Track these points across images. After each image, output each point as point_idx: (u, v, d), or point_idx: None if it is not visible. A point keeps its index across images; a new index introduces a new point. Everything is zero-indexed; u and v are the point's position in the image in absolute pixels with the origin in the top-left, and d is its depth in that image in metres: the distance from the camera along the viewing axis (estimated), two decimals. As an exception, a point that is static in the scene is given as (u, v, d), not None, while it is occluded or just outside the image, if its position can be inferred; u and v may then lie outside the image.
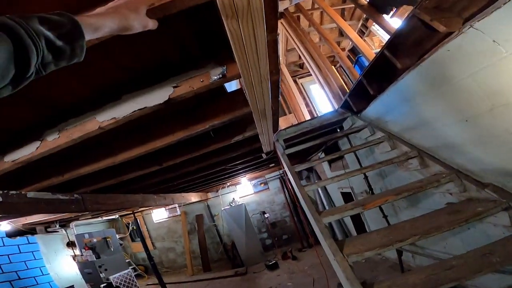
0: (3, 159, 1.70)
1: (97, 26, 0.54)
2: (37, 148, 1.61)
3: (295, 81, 6.28)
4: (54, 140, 1.57)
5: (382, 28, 2.77)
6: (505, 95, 1.45)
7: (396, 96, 2.21)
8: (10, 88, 0.42)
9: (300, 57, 6.06)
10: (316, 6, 4.67)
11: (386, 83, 2.20)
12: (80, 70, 1.27)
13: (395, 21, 2.93)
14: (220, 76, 1.33)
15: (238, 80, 2.16)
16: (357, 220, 4.68)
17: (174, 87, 1.37)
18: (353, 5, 3.87)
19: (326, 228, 1.82)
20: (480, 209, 1.63)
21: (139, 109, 1.39)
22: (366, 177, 3.19)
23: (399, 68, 1.99)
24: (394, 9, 2.92)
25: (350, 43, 5.81)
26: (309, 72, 4.98)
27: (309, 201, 2.10)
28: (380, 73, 2.22)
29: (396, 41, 1.97)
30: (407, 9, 2.96)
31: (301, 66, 6.94)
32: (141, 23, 0.66)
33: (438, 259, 2.56)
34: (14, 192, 2.19)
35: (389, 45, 2.00)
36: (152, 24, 0.70)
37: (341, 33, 5.74)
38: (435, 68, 1.75)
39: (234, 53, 1.16)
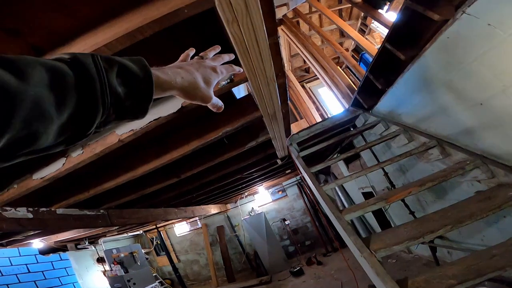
0: (32, 177, 1.82)
1: (166, 87, 0.48)
2: (63, 164, 1.71)
3: (302, 86, 6.31)
4: (78, 156, 1.67)
5: (380, 23, 2.77)
6: None
7: (406, 87, 2.18)
8: (64, 145, 0.36)
9: (305, 61, 6.10)
10: (313, 9, 4.73)
11: (393, 76, 2.19)
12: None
13: (391, 15, 2.93)
14: (228, 81, 1.38)
15: (245, 85, 2.23)
16: (382, 219, 4.54)
17: (186, 95, 1.43)
18: (350, 5, 3.89)
19: (349, 225, 1.78)
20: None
21: (154, 119, 1.46)
22: (386, 174, 3.11)
23: (404, 60, 1.99)
24: (388, 3, 2.93)
25: (353, 42, 5.81)
26: (316, 75, 4.99)
27: (328, 200, 2.08)
28: (386, 67, 2.22)
29: (396, 34, 1.98)
30: (400, 2, 2.96)
31: (307, 70, 6.97)
32: (206, 95, 0.56)
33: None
34: (44, 209, 2.33)
35: (389, 38, 2.01)
36: (215, 101, 0.60)
37: (342, 34, 5.76)
38: (439, 55, 1.75)
39: (238, 57, 1.21)
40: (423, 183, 1.86)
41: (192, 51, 0.67)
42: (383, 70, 2.27)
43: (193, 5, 0.92)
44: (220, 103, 0.62)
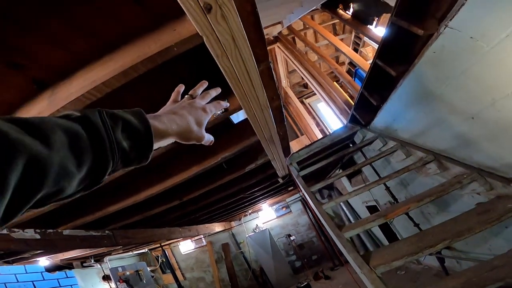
0: (39, 201, 1.88)
1: (164, 135, 0.52)
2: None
3: (302, 102, 6.36)
4: (83, 184, 1.72)
5: (370, 38, 2.83)
6: (502, 88, 1.44)
7: (399, 103, 2.22)
8: (82, 191, 0.39)
9: (302, 77, 6.18)
10: (307, 26, 4.85)
11: (386, 92, 2.22)
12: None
13: (380, 30, 2.98)
14: (223, 110, 1.43)
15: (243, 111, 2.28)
16: (388, 231, 4.47)
17: (182, 124, 1.49)
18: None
19: (348, 242, 1.79)
20: (510, 206, 1.56)
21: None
22: (387, 188, 3.10)
23: (394, 76, 2.02)
24: (376, 19, 2.99)
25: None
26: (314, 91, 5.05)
27: (328, 218, 2.09)
28: (379, 83, 2.26)
29: (385, 50, 2.02)
30: (387, 17, 3.01)
31: (306, 86, 7.04)
32: (199, 137, 0.60)
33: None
34: (51, 230, 2.39)
35: (380, 54, 2.05)
36: (207, 138, 0.64)
37: (336, 48, 5.85)
38: (428, 70, 1.77)
39: (231, 87, 1.27)
40: (421, 199, 1.87)
41: (182, 88, 0.72)
42: (377, 85, 2.31)
43: (182, 42, 0.98)
44: (211, 138, 0.67)
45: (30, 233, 2.21)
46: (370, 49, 5.04)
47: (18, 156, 0.27)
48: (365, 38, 4.75)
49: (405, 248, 1.66)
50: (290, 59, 4.25)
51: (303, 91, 7.22)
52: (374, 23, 2.94)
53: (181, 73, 1.40)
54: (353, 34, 5.31)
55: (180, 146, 1.62)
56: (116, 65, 0.99)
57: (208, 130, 1.59)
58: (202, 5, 0.78)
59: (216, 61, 1.05)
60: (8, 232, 2.08)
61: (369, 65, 2.23)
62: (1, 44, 0.89)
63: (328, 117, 6.58)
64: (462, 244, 2.60)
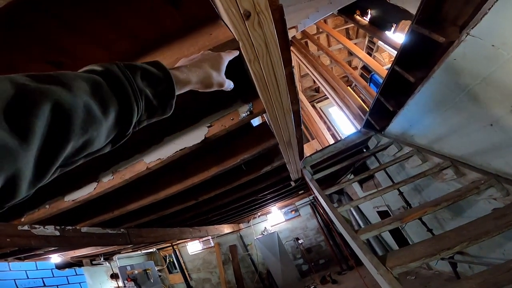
0: (64, 198, 1.93)
1: (185, 83, 0.53)
2: (94, 188, 1.83)
3: (313, 106, 6.38)
4: (109, 181, 1.79)
5: (387, 44, 2.85)
6: None
7: (417, 109, 2.24)
8: (110, 145, 0.41)
9: (314, 81, 6.21)
10: (321, 30, 4.87)
11: (403, 98, 2.25)
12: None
13: (398, 36, 3.00)
14: (248, 113, 1.49)
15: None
16: (399, 237, 4.45)
17: (208, 126, 1.55)
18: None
19: (364, 244, 1.81)
20: (527, 210, 1.57)
21: (180, 150, 1.57)
22: (401, 193, 3.10)
23: (413, 82, 2.04)
24: (395, 25, 3.00)
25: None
26: (326, 95, 5.05)
27: (343, 221, 2.11)
28: (396, 89, 2.28)
29: (404, 56, 2.04)
30: (406, 24, 3.02)
31: (317, 90, 7.06)
32: (220, 81, 0.62)
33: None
34: (70, 227, 2.45)
35: (398, 60, 2.08)
36: (227, 84, 0.66)
37: (351, 52, 5.87)
38: (448, 77, 1.79)
39: (258, 91, 1.32)
40: (438, 203, 1.89)
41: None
42: (394, 91, 2.34)
43: (219, 47, 1.02)
44: (231, 84, 0.69)
45: (50, 230, 2.26)
46: (386, 55, 5.03)
47: (42, 101, 0.27)
48: (380, 43, 4.76)
49: (422, 250, 1.67)
50: (303, 63, 4.29)
51: (314, 95, 7.24)
52: (392, 29, 2.96)
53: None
54: (367, 39, 5.32)
55: (202, 147, 1.69)
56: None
57: (231, 132, 1.63)
58: (242, 12, 0.82)
59: (248, 66, 1.10)
60: (29, 228, 2.12)
61: (387, 71, 2.25)
62: (46, 44, 0.93)
63: (340, 122, 6.61)
64: (476, 249, 2.59)
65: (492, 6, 1.31)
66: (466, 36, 1.51)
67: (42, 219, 2.06)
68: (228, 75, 1.53)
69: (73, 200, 1.91)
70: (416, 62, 2.04)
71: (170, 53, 1.07)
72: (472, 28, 1.45)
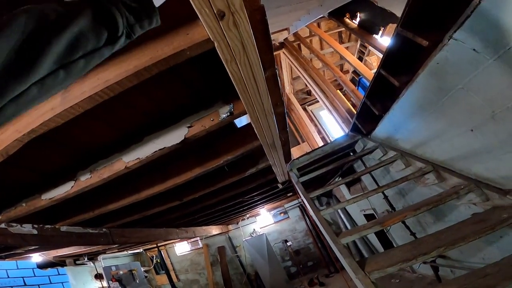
0: (40, 197, 1.89)
1: None
2: (71, 187, 1.79)
3: (304, 109, 6.39)
4: (87, 180, 1.75)
5: (375, 48, 2.87)
6: (501, 101, 1.47)
7: (401, 113, 2.25)
8: (110, 48, 0.49)
9: (306, 84, 6.22)
10: (313, 33, 4.90)
11: (389, 102, 2.26)
12: (107, 116, 1.47)
13: (385, 39, 3.03)
14: (228, 114, 1.47)
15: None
16: (385, 240, 4.49)
17: (188, 127, 1.53)
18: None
19: (345, 248, 1.82)
20: (505, 216, 1.58)
21: (159, 149, 1.55)
22: (386, 197, 3.13)
23: (397, 86, 2.05)
24: (382, 29, 3.03)
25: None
26: (317, 98, 5.04)
27: (326, 224, 2.11)
28: (382, 93, 2.29)
29: (390, 60, 2.04)
30: (393, 27, 3.03)
31: (309, 93, 7.07)
32: None
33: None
34: (48, 226, 2.39)
35: (383, 64, 2.08)
36: None
37: (342, 56, 5.91)
38: (431, 81, 1.80)
39: (238, 92, 1.30)
40: (418, 208, 1.90)
41: None
42: (380, 95, 2.34)
43: (194, 47, 1.02)
44: None
45: (27, 228, 2.21)
46: (375, 59, 5.08)
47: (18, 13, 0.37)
48: (370, 47, 4.80)
49: (400, 255, 1.68)
50: (295, 66, 4.30)
51: (306, 98, 7.26)
52: (380, 32, 2.98)
53: (190, 76, 1.44)
54: (359, 42, 5.36)
55: (183, 147, 1.67)
56: (129, 66, 1.03)
57: (213, 132, 1.62)
58: (215, 12, 0.81)
59: (225, 66, 1.09)
60: (6, 227, 2.08)
61: (373, 75, 2.26)
62: None
63: (330, 125, 6.62)
64: (457, 253, 2.63)
65: (475, 9, 1.30)
66: (448, 40, 1.50)
67: (19, 217, 2.01)
68: (210, 75, 1.52)
69: (50, 199, 1.86)
70: (401, 66, 2.04)
71: (147, 53, 1.05)
72: (455, 31, 1.45)
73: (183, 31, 1.05)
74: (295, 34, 4.53)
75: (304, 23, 3.53)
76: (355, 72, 5.97)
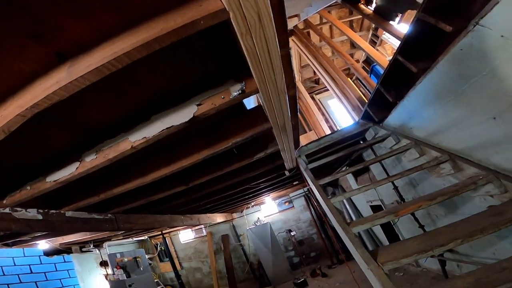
0: (45, 179, 1.85)
1: None
2: (76, 168, 1.75)
3: (312, 98, 6.32)
4: (92, 161, 1.70)
5: (392, 35, 2.77)
6: None
7: (417, 101, 2.17)
8: None
9: (315, 72, 6.11)
10: (324, 20, 4.77)
11: (404, 89, 2.18)
12: (113, 94, 1.42)
13: (403, 26, 2.93)
14: (240, 92, 1.41)
15: (255, 97, 2.25)
16: (390, 233, 4.45)
17: (198, 105, 1.47)
18: (361, 16, 3.89)
19: (356, 237, 1.76)
20: (525, 209, 1.53)
21: (166, 128, 1.49)
22: (395, 187, 3.06)
23: (415, 72, 1.97)
24: (400, 15, 2.93)
25: (364, 54, 5.81)
26: (326, 87, 4.95)
27: (336, 212, 2.06)
28: (397, 80, 2.21)
29: (407, 46, 1.98)
30: (412, 14, 2.95)
31: (317, 81, 6.96)
32: None
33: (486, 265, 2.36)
34: (54, 211, 2.36)
35: (401, 50, 2.01)
36: None
37: (353, 45, 5.77)
38: (452, 68, 1.73)
39: (251, 68, 1.24)
40: (434, 198, 1.83)
41: None
42: (394, 82, 2.26)
43: (209, 17, 0.95)
44: None
45: (32, 213, 2.17)
46: (389, 47, 4.94)
47: None
48: (383, 37, 4.67)
49: (414, 246, 1.62)
50: (304, 53, 4.19)
51: (314, 86, 7.14)
52: (397, 19, 2.88)
53: (201, 54, 1.37)
54: (371, 32, 5.22)
55: (192, 127, 1.61)
56: (139, 37, 0.97)
57: (222, 111, 1.56)
58: (231, -22, 0.75)
59: (240, 40, 1.02)
60: (10, 211, 2.04)
61: (388, 61, 2.18)
62: (27, 15, 0.89)
63: (338, 114, 6.56)
64: (466, 247, 2.57)
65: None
66: (474, 26, 1.45)
67: (24, 201, 1.97)
68: (221, 52, 1.45)
69: (54, 181, 1.82)
70: (419, 53, 1.97)
71: (158, 24, 0.99)
72: (482, 18, 1.40)
73: (196, 2, 0.99)
74: (305, 21, 4.41)
75: (315, 9, 3.41)
76: (366, 61, 5.83)
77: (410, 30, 1.88)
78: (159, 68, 1.34)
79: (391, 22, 2.97)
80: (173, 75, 1.42)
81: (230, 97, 1.42)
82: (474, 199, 2.15)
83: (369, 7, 3.15)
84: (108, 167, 1.77)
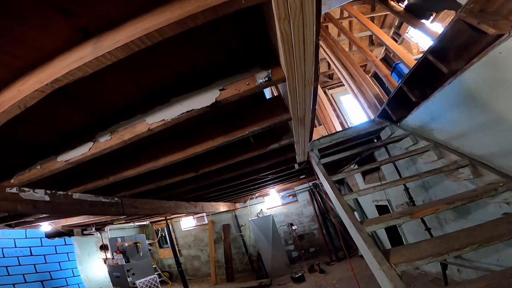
0: (56, 158, 1.80)
1: None
2: (89, 149, 1.69)
3: (324, 92, 6.23)
4: (106, 142, 1.66)
5: (425, 33, 2.68)
6: None
7: (443, 102, 2.10)
8: None
9: (329, 67, 6.00)
10: (344, 15, 4.66)
11: (430, 89, 2.11)
12: (134, 73, 1.37)
13: (435, 26, 2.83)
14: (266, 79, 1.35)
15: (270, 88, 2.19)
16: (393, 234, 4.42)
17: (221, 90, 1.42)
18: (383, 13, 3.78)
19: (369, 237, 1.74)
20: (542, 217, 1.49)
21: (187, 111, 1.44)
22: (406, 189, 3.01)
23: (446, 73, 1.91)
24: (434, 14, 2.83)
25: (382, 51, 5.67)
26: (340, 82, 4.86)
27: (349, 210, 2.03)
28: (423, 79, 2.15)
29: (440, 46, 1.91)
30: (448, 14, 2.88)
31: (331, 76, 6.85)
32: None
33: (489, 271, 2.34)
34: (61, 192, 2.31)
35: (432, 49, 1.93)
36: None
37: (372, 42, 5.63)
38: (486, 71, 1.67)
39: (281, 56, 1.18)
40: (452, 202, 1.80)
41: None
42: (419, 82, 2.20)
43: None
44: None
45: (40, 194, 2.12)
46: (415, 46, 4.77)
47: None
48: (406, 35, 4.54)
49: (429, 248, 1.60)
50: (322, 47, 4.09)
51: (327, 81, 7.03)
52: (431, 18, 2.79)
53: (229, 37, 1.31)
54: (392, 30, 5.09)
55: (211, 112, 1.56)
56: (172, 15, 0.91)
57: (242, 100, 1.50)
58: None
59: (276, 24, 0.97)
60: (17, 191, 1.97)
61: (415, 61, 2.11)
62: None
63: (350, 111, 6.49)
64: (471, 252, 2.55)
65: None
66: None
67: (33, 181, 1.91)
68: (250, 38, 1.39)
69: (65, 161, 1.77)
70: (451, 54, 1.90)
71: (189, 2, 0.92)
72: None
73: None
74: (326, 14, 4.30)
75: (339, 3, 3.30)
76: (384, 59, 5.69)
77: (447, 30, 1.81)
78: (184, 48, 1.29)
79: (422, 20, 2.87)
80: (197, 56, 1.37)
81: (256, 84, 1.37)
82: (488, 205, 2.12)
83: (400, 4, 3.05)
84: (120, 148, 1.73)
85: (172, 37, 0.97)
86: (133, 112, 1.61)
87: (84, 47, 1.03)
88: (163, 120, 1.49)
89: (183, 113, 1.45)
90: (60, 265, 5.39)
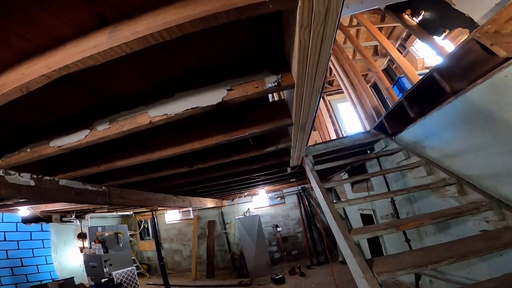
0: (49, 143, 1.74)
1: None
2: (85, 136, 1.64)
3: (323, 98, 6.28)
4: (104, 131, 1.61)
5: (435, 50, 2.73)
6: None
7: (440, 120, 2.16)
8: None
9: (330, 73, 6.03)
10: (353, 23, 4.68)
11: (429, 107, 2.16)
12: (143, 65, 1.34)
13: (445, 43, 2.90)
14: (275, 84, 1.35)
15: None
16: (374, 242, 4.53)
17: (228, 90, 1.41)
18: (391, 25, 3.83)
19: (356, 245, 1.78)
20: (517, 236, 1.56)
21: (191, 108, 1.43)
22: (393, 201, 3.10)
23: (448, 92, 1.95)
24: (447, 31, 2.87)
25: (385, 62, 5.73)
26: (339, 89, 4.87)
27: (338, 218, 2.07)
28: (424, 96, 2.19)
29: (448, 64, 1.94)
30: (461, 32, 2.93)
31: (331, 83, 6.90)
32: None
33: (459, 284, 2.45)
34: (47, 178, 2.24)
35: (439, 67, 1.98)
36: None
37: (376, 52, 5.68)
38: (489, 93, 1.72)
39: (294, 62, 1.19)
40: (437, 217, 1.88)
41: None
42: (420, 98, 2.25)
43: (278, 0, 0.88)
44: None
45: (25, 178, 2.05)
46: (420, 61, 4.82)
47: None
48: (411, 48, 4.61)
49: (410, 260, 1.67)
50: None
51: (326, 87, 7.05)
52: (444, 35, 2.83)
53: (243, 38, 1.31)
54: (398, 42, 5.15)
55: (214, 111, 1.55)
56: (195, 10, 0.90)
57: (247, 101, 1.49)
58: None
59: (296, 31, 0.97)
60: (3, 174, 1.90)
61: (420, 76, 2.16)
62: None
63: (346, 119, 6.58)
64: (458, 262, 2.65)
65: None
66: None
67: (20, 164, 1.84)
68: (263, 41, 1.39)
69: (58, 147, 1.71)
70: (456, 73, 1.94)
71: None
72: None
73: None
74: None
75: (351, 12, 3.31)
76: (386, 71, 5.75)
77: (458, 49, 1.83)
78: (196, 44, 1.28)
79: (434, 37, 2.92)
80: (209, 53, 1.36)
81: (264, 88, 1.37)
82: (468, 222, 2.20)
83: (414, 18, 3.09)
84: (116, 138, 1.68)
85: (191, 34, 0.96)
86: (136, 103, 1.58)
87: (99, 35, 1.01)
88: (166, 114, 1.47)
89: (188, 109, 1.43)
90: (33, 252, 5.20)
